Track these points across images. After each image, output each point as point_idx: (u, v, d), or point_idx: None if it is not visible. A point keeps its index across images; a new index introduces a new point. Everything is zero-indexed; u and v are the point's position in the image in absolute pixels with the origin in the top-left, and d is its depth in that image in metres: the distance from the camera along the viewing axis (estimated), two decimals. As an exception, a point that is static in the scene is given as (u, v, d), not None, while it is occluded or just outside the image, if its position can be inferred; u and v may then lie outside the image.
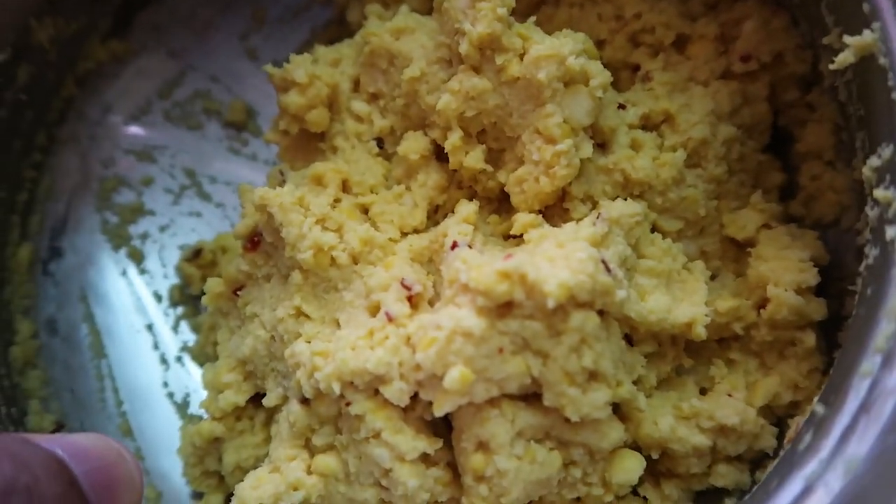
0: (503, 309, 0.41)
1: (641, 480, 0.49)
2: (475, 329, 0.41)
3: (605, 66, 0.55)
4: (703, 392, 0.49)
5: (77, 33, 0.58)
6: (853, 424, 0.31)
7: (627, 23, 0.54)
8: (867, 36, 0.38)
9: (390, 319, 0.45)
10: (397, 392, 0.44)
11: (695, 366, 0.50)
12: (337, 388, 0.44)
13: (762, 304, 0.47)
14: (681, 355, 0.49)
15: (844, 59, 0.39)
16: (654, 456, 0.47)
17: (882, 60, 0.37)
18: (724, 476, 0.47)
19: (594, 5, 0.56)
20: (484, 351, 0.41)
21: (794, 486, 0.31)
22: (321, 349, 0.46)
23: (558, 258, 0.42)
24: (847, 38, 0.40)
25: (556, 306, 0.40)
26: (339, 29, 0.66)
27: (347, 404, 0.45)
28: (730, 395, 0.47)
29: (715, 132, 0.50)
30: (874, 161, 0.38)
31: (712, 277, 0.52)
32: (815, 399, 0.36)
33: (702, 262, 0.50)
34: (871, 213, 0.37)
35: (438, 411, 0.43)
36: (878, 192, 0.37)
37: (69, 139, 0.63)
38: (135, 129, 0.66)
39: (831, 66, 0.41)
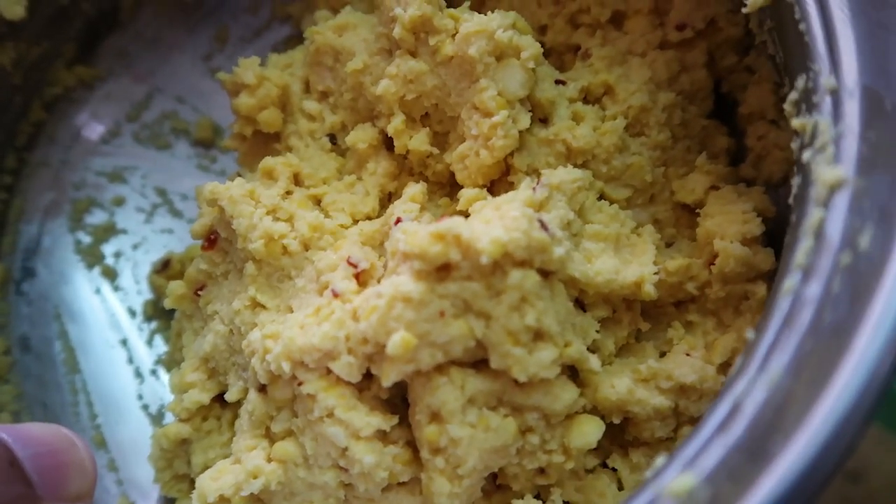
0: (441, 272, 0.41)
1: (609, 451, 0.48)
2: (414, 293, 0.41)
3: (550, 49, 0.57)
4: (663, 356, 0.48)
5: (41, 58, 0.61)
6: (776, 340, 0.30)
7: (565, 6, 0.56)
8: (773, -25, 0.39)
9: (336, 296, 0.45)
10: (346, 366, 0.43)
11: (653, 330, 0.49)
12: (287, 368, 0.44)
13: (712, 260, 0.47)
14: (637, 320, 0.48)
15: (756, 1, 0.40)
16: (616, 421, 0.46)
17: (789, -4, 0.38)
18: (690, 438, 0.46)
19: (533, -7, 0.57)
20: (425, 315, 0.41)
21: (723, 408, 0.30)
22: (271, 332, 0.46)
23: (494, 219, 0.42)
24: (756, -18, 0.40)
25: (494, 265, 0.41)
26: (298, 44, 0.67)
27: (300, 384, 0.45)
28: (688, 355, 0.46)
29: (654, 99, 0.51)
30: (792, 95, 0.38)
31: (669, 244, 0.52)
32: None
33: (651, 227, 0.50)
34: (794, 145, 0.38)
35: (386, 381, 0.43)
36: (795, 122, 0.37)
37: (40, 163, 0.65)
38: (105, 152, 0.68)
39: (744, 10, 0.42)
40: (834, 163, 0.32)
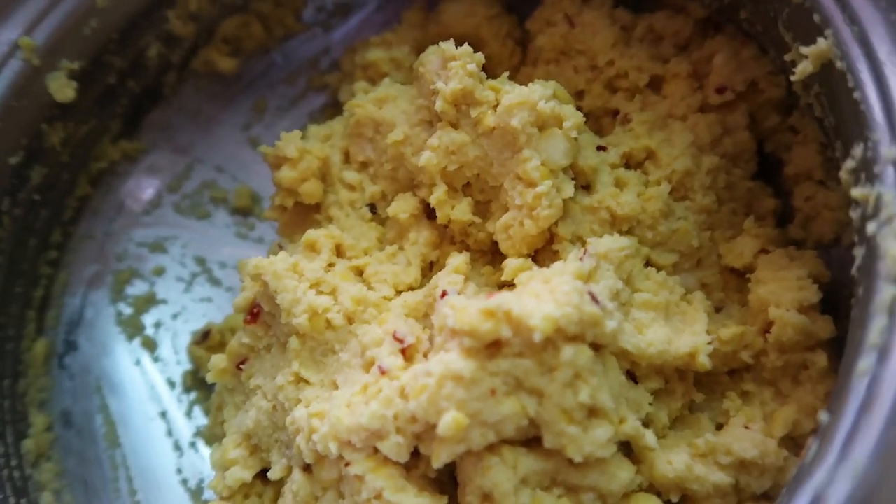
0: (492, 349, 0.41)
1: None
2: (464, 371, 0.40)
3: (587, 114, 0.57)
4: (719, 428, 0.46)
5: (88, 136, 0.62)
6: (855, 427, 0.29)
7: (602, 71, 0.56)
8: (822, 44, 0.39)
9: (383, 373, 0.45)
10: (395, 447, 0.42)
11: (707, 401, 0.47)
12: (334, 449, 0.43)
13: (767, 328, 0.45)
14: (691, 390, 0.47)
15: (804, 69, 0.40)
16: (674, 500, 0.44)
17: (839, 64, 0.38)
18: (753, 517, 0.44)
19: (569, 59, 0.58)
20: (476, 393, 0.40)
21: (802, 499, 0.29)
22: (317, 410, 0.46)
23: (543, 293, 0.41)
24: (804, 49, 0.40)
25: (546, 341, 0.40)
26: (334, 112, 0.69)
27: (347, 465, 0.44)
28: (747, 428, 0.44)
29: (698, 163, 0.50)
30: (849, 163, 0.38)
31: (718, 309, 0.50)
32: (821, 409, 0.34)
33: (701, 293, 0.49)
34: (855, 214, 0.37)
35: (437, 462, 0.41)
36: (856, 192, 0.36)
37: (85, 236, 0.66)
38: (147, 222, 0.68)
39: (793, 78, 0.41)
40: (904, 237, 0.31)
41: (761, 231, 0.50)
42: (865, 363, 0.30)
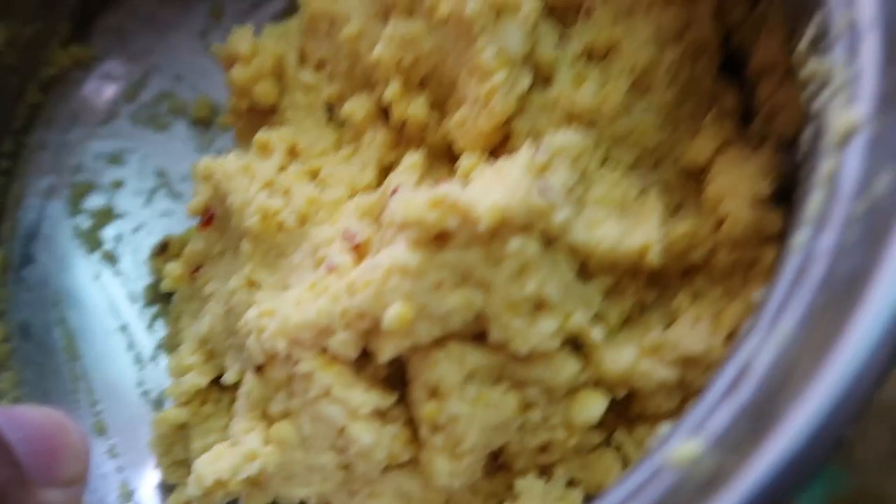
0: (439, 241, 0.40)
1: (614, 427, 0.46)
2: (411, 263, 0.39)
3: (552, 9, 0.54)
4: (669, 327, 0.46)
5: (35, 38, 0.60)
6: (786, 298, 0.28)
7: (566, -36, 0.53)
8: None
9: (331, 270, 0.44)
10: (342, 343, 0.42)
11: (659, 301, 0.47)
12: (282, 346, 0.43)
13: (720, 225, 0.44)
14: (642, 290, 0.46)
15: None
16: (621, 395, 0.44)
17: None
18: (701, 411, 0.44)
19: (533, -47, 0.55)
20: (422, 286, 0.39)
21: (730, 372, 0.28)
22: (267, 309, 0.45)
23: (492, 184, 0.40)
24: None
25: (493, 232, 0.39)
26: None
27: (296, 363, 0.44)
28: (694, 325, 0.44)
29: (660, 55, 0.49)
30: (803, 44, 0.36)
31: (676, 210, 0.49)
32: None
33: (657, 191, 0.48)
34: (805, 96, 0.35)
35: (383, 356, 0.41)
36: (805, 70, 0.34)
37: (38, 146, 0.64)
38: (103, 134, 0.67)
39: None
40: (849, 104, 0.29)
41: (720, 127, 0.48)
42: (800, 238, 0.30)
